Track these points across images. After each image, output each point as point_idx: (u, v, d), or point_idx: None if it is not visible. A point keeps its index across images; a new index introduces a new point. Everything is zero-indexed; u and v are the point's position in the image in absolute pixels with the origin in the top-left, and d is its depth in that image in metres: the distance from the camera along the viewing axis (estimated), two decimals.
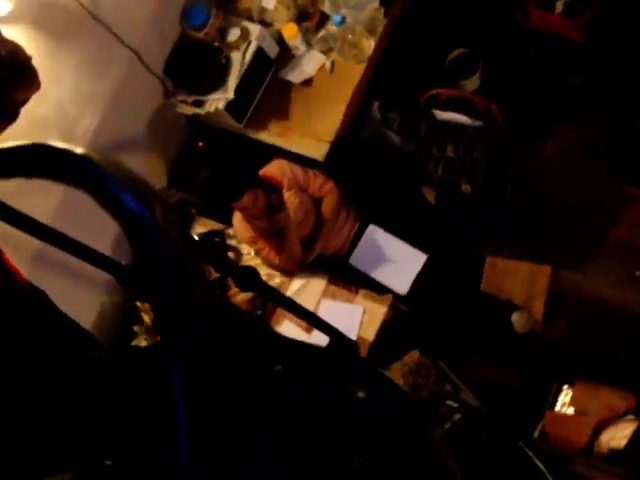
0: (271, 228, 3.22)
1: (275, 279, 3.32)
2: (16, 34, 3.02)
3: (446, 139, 3.35)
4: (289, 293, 3.24)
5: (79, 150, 1.16)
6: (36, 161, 1.29)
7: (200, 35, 3.32)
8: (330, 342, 1.40)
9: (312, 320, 1.62)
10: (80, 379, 1.04)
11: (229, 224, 3.35)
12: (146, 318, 3.33)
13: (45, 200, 3.06)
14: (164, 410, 0.88)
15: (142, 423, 0.98)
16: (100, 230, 3.25)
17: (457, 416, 2.76)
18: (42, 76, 3.12)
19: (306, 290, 3.30)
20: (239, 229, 3.24)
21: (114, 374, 1.06)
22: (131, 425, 0.98)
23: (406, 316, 3.26)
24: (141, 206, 0.86)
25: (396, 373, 2.94)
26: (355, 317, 3.25)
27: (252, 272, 1.18)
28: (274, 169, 3.19)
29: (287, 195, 3.16)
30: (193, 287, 0.82)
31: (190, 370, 0.76)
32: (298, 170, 3.20)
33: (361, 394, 1.12)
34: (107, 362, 1.14)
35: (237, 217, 3.22)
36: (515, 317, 3.07)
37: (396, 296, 3.25)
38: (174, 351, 0.78)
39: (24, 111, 3.01)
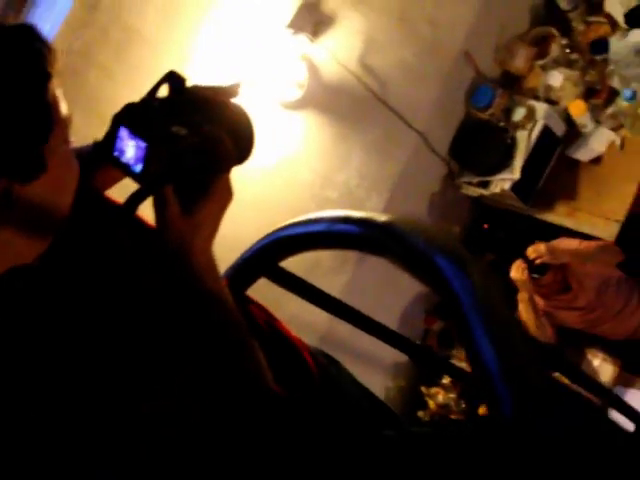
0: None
1: None
2: (307, 121, 3.19)
3: None
4: None
5: (382, 218, 1.07)
6: (342, 234, 1.23)
7: (485, 116, 3.34)
8: None
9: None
10: (380, 461, 0.95)
11: None
12: (431, 403, 3.38)
13: (335, 278, 3.21)
14: None
15: None
16: (387, 308, 3.36)
17: None
18: (332, 162, 3.29)
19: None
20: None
21: (418, 454, 0.98)
22: None
23: None
24: (456, 270, 0.79)
25: None
26: None
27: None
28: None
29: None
30: (521, 360, 0.75)
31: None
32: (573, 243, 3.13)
33: None
34: (409, 440, 1.06)
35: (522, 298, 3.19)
36: None
37: None
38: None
39: (310, 192, 3.16)
